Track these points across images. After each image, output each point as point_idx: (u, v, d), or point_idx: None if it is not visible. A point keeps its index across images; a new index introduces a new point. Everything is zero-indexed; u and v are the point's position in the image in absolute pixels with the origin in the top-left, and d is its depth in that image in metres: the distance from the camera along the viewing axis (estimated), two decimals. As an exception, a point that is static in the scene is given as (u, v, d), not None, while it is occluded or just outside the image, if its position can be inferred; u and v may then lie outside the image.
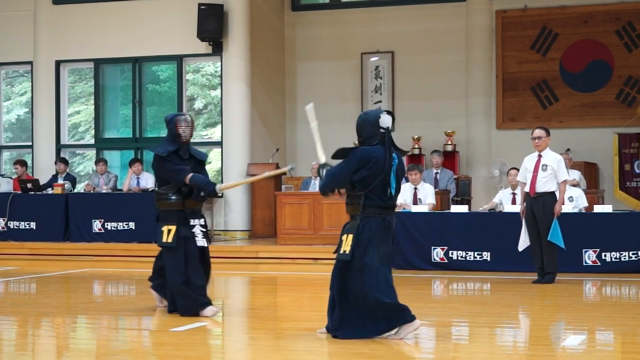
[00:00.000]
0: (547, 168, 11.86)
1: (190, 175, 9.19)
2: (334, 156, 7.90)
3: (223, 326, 9.11)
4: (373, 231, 7.66)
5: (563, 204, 12.18)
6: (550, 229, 11.74)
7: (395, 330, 7.72)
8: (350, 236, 7.69)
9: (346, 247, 7.68)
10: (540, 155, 11.97)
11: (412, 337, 7.76)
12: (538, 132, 12.03)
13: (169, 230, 9.13)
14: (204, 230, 9.30)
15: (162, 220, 9.22)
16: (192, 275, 9.08)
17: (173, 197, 9.23)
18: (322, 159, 8.28)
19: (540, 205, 11.84)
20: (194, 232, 9.20)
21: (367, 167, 7.63)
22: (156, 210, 9.39)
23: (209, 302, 9.15)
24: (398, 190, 7.84)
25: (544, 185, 11.87)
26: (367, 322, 7.67)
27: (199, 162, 9.54)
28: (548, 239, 11.76)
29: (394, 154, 7.75)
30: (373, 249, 7.64)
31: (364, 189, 7.66)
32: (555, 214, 11.79)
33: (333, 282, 7.83)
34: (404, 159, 18.60)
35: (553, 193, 11.90)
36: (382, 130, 7.73)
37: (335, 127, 20.09)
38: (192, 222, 9.23)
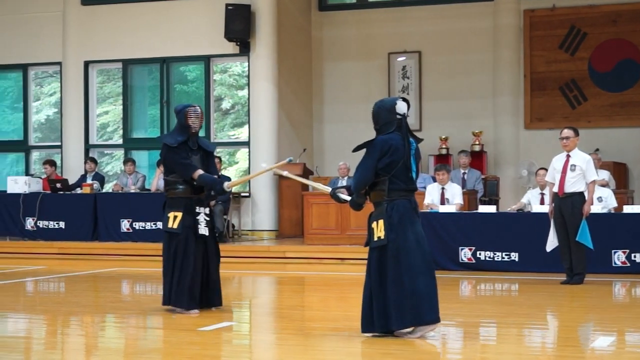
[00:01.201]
0: (576, 168, 11.79)
1: (199, 173, 9.26)
2: (355, 150, 7.92)
3: (250, 326, 9.13)
4: (401, 211, 7.71)
5: (592, 205, 12.10)
6: (578, 229, 11.67)
7: (412, 328, 7.70)
8: (381, 221, 7.73)
9: (379, 233, 7.73)
10: (568, 156, 11.91)
11: (436, 337, 7.74)
12: (566, 132, 11.98)
13: (175, 217, 9.27)
14: (207, 219, 9.38)
15: (169, 207, 9.35)
16: (184, 271, 9.17)
17: (181, 187, 9.37)
18: (328, 188, 8.58)
19: (569, 205, 11.78)
20: (197, 220, 9.30)
21: (389, 154, 7.69)
22: (164, 198, 9.52)
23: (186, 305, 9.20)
24: (417, 173, 7.92)
25: (573, 185, 11.81)
26: (393, 313, 7.62)
27: (207, 153, 9.59)
28: (576, 239, 11.69)
29: (410, 139, 7.83)
30: (405, 230, 7.68)
31: (387, 174, 7.70)
32: (584, 215, 11.72)
33: (370, 275, 7.80)
34: (432, 158, 18.65)
35: (582, 193, 11.83)
36: (398, 117, 7.79)
37: (361, 127, 20.07)
38: (197, 209, 9.33)
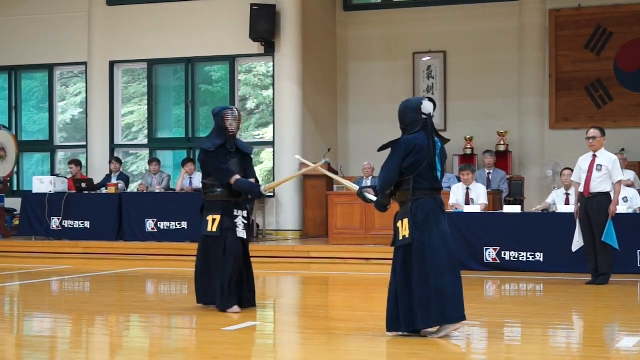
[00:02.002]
0: (602, 168, 11.73)
1: (235, 178, 9.30)
2: (380, 149, 7.99)
3: (275, 325, 9.13)
4: (426, 210, 7.74)
5: (618, 205, 12.04)
6: (604, 229, 11.61)
7: (437, 327, 7.70)
8: (406, 220, 7.77)
9: (404, 232, 7.76)
10: (595, 156, 11.85)
11: (461, 337, 7.73)
12: (593, 132, 11.92)
13: (214, 220, 9.33)
14: (245, 222, 9.46)
15: (208, 210, 9.42)
16: (219, 271, 9.29)
17: (219, 190, 9.40)
18: (355, 187, 8.77)
19: (595, 205, 11.72)
20: (235, 223, 9.36)
21: (413, 153, 7.72)
22: (201, 201, 9.58)
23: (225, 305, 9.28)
24: (442, 173, 7.94)
25: (599, 185, 11.75)
26: (419, 312, 7.62)
27: (245, 155, 9.63)
28: (602, 239, 11.63)
29: (436, 139, 7.83)
30: (430, 228, 7.70)
31: (412, 174, 7.74)
32: (610, 215, 11.66)
33: (395, 274, 7.84)
34: (457, 158, 18.61)
35: (608, 193, 11.77)
36: (424, 117, 7.82)
37: (386, 127, 20.03)
38: (235, 212, 9.39)
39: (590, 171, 11.78)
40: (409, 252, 7.74)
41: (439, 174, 7.85)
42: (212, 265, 9.39)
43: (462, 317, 7.71)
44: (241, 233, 9.35)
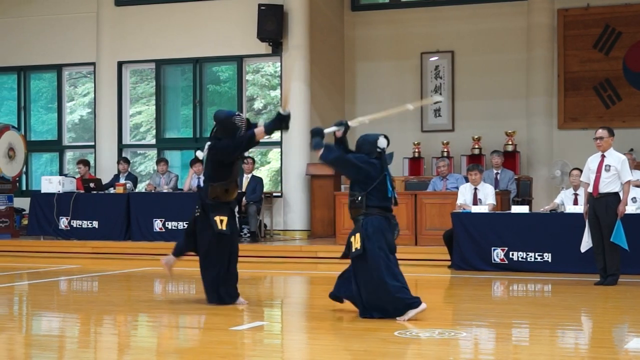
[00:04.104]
0: (611, 168, 11.71)
1: (260, 129, 9.85)
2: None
3: (282, 325, 9.14)
4: (376, 225, 8.83)
5: (626, 205, 12.01)
6: (613, 230, 11.59)
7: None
8: (358, 234, 8.84)
9: (356, 244, 8.81)
10: (603, 156, 11.82)
11: (469, 338, 7.72)
12: (600, 132, 11.90)
13: (221, 220, 9.60)
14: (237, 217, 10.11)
15: (213, 212, 9.65)
16: (232, 266, 9.72)
17: (225, 193, 9.74)
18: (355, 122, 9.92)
19: (603, 206, 11.69)
20: (235, 221, 9.93)
21: (368, 164, 8.95)
22: (200, 201, 9.84)
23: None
24: (393, 194, 9.02)
25: (607, 185, 11.72)
26: (375, 315, 8.75)
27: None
28: (611, 240, 11.61)
29: (387, 168, 9.04)
30: (379, 237, 8.78)
31: (364, 191, 8.88)
32: (619, 215, 11.64)
33: (356, 281, 8.92)
34: (464, 158, 18.60)
35: (616, 194, 11.75)
36: (378, 150, 9.11)
37: (394, 127, 20.06)
38: (235, 211, 9.93)
39: (598, 171, 11.75)
40: (361, 262, 8.79)
41: (390, 193, 8.95)
42: (228, 260, 9.66)
43: (417, 303, 8.68)
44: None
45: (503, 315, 9.39)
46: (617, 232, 11.59)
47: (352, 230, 8.96)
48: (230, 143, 9.68)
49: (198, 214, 9.81)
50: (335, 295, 9.32)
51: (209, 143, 9.85)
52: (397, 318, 8.64)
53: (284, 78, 9.07)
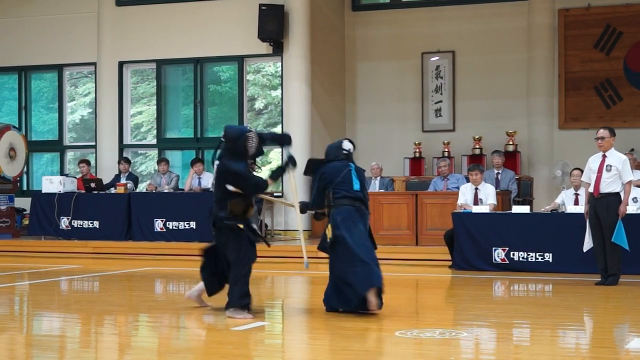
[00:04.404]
0: (612, 169, 11.70)
1: (268, 180, 9.63)
2: (305, 173, 10.34)
3: (283, 325, 9.14)
4: (344, 214, 9.35)
5: (627, 205, 12.01)
6: (614, 230, 11.58)
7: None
8: (330, 225, 9.42)
9: (329, 235, 9.40)
10: (604, 156, 11.81)
11: (470, 338, 7.71)
12: (602, 132, 11.89)
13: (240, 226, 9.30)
14: None
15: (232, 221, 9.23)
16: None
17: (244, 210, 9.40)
18: (292, 204, 10.40)
19: (604, 206, 11.69)
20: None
21: (326, 175, 9.57)
22: (215, 225, 9.35)
23: None
24: (362, 186, 9.57)
25: (608, 186, 11.71)
26: (342, 296, 9.27)
27: None
28: (612, 240, 11.60)
29: (351, 164, 9.64)
30: (349, 225, 9.28)
31: (330, 185, 9.49)
32: (620, 215, 11.63)
33: (331, 271, 9.51)
34: (465, 158, 18.59)
35: (617, 194, 11.74)
36: (344, 152, 9.69)
37: (395, 127, 20.12)
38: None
39: (599, 171, 11.75)
40: (334, 251, 9.39)
41: (355, 186, 9.48)
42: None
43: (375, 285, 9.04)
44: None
45: (504, 315, 9.39)
46: (618, 232, 11.58)
47: (326, 223, 9.57)
48: (246, 184, 9.28)
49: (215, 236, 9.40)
50: (331, 307, 9.44)
51: (217, 163, 9.31)
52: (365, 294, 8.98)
53: (289, 179, 9.15)
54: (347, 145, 9.80)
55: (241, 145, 9.28)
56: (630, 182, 11.85)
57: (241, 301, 9.01)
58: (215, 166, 9.42)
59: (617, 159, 11.78)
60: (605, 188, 11.72)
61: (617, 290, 11.31)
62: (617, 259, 11.71)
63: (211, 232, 9.49)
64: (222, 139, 9.35)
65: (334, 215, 9.39)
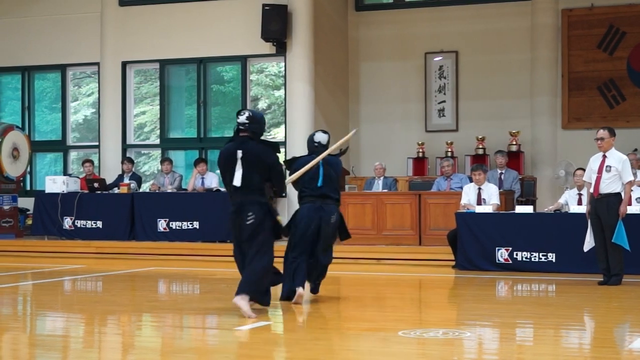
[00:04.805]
0: (612, 169, 11.69)
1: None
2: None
3: (286, 325, 9.14)
4: (303, 212, 10.04)
5: (630, 205, 12.00)
6: (615, 230, 11.58)
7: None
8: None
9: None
10: (604, 156, 11.81)
11: (473, 337, 7.70)
12: (601, 132, 11.88)
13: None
14: None
15: (273, 213, 9.21)
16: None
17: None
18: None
19: (605, 206, 11.68)
20: None
21: (293, 171, 10.07)
22: (265, 203, 9.13)
23: None
24: (327, 180, 10.03)
25: (608, 186, 11.70)
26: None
27: None
28: (612, 240, 11.60)
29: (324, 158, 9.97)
30: (303, 222, 9.97)
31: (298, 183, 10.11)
32: (620, 216, 11.62)
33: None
34: (468, 158, 18.56)
35: (618, 194, 11.73)
36: (315, 145, 10.20)
37: (398, 127, 20.12)
38: None
39: (599, 172, 11.74)
40: (290, 241, 10.05)
41: (318, 183, 9.99)
42: None
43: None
44: None
45: (507, 315, 9.39)
46: (619, 232, 11.58)
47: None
48: (280, 172, 9.24)
49: (252, 220, 8.96)
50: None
51: (240, 152, 9.04)
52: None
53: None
54: (318, 137, 10.20)
55: (263, 126, 9.42)
56: (630, 183, 11.84)
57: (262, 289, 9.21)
58: (240, 153, 9.03)
59: (617, 159, 11.77)
60: (605, 188, 11.71)
61: (620, 290, 11.31)
62: (620, 259, 11.71)
63: (239, 224, 9.01)
64: (246, 125, 9.08)
65: (295, 213, 10.17)
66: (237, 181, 8.93)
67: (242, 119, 9.09)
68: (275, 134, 20.29)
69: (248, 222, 8.92)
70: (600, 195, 11.71)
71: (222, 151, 9.19)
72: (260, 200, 9.01)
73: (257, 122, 9.20)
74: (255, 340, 7.97)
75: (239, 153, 8.99)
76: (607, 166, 11.70)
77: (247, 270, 9.05)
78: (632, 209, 12.45)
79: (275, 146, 9.34)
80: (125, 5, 20.14)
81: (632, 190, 12.22)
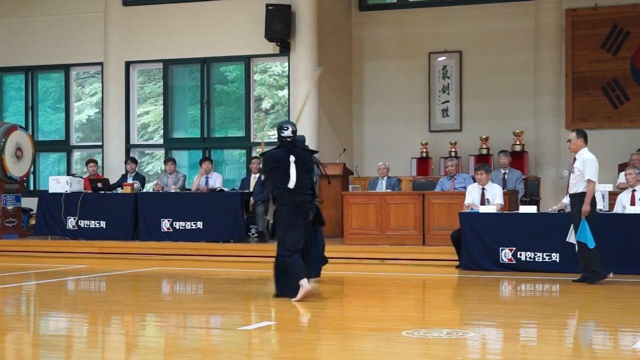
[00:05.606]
0: (576, 170, 11.93)
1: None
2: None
3: (290, 325, 9.14)
4: (284, 214, 10.28)
5: (596, 204, 12.08)
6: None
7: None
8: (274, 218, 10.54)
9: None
10: (575, 158, 12.02)
11: (476, 337, 7.70)
12: (569, 134, 12.25)
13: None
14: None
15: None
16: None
17: None
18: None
19: (573, 205, 12.01)
20: None
21: (263, 165, 10.53)
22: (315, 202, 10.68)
23: None
24: (299, 178, 10.18)
25: (575, 186, 12.00)
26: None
27: None
28: (576, 238, 11.76)
29: (294, 152, 10.24)
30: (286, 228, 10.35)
31: (267, 178, 10.42)
32: (582, 214, 11.71)
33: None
34: (472, 158, 18.54)
35: (583, 194, 11.87)
36: (283, 139, 10.32)
37: (401, 127, 20.12)
38: None
39: (571, 172, 12.01)
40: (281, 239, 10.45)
41: (290, 182, 10.09)
42: None
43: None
44: None
45: (511, 315, 9.38)
46: (582, 230, 11.71)
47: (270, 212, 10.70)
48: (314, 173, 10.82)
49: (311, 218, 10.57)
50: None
51: (293, 158, 10.31)
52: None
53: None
54: (285, 132, 10.31)
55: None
56: (590, 182, 11.83)
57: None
58: (293, 158, 10.25)
59: (581, 160, 11.93)
60: (572, 188, 12.01)
61: (623, 291, 11.30)
62: (590, 257, 11.80)
63: (304, 221, 10.44)
64: (291, 137, 10.34)
65: (275, 215, 10.43)
66: (291, 184, 10.14)
67: (288, 132, 10.30)
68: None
69: (309, 220, 10.48)
70: (570, 195, 12.05)
71: (272, 154, 10.41)
72: (312, 200, 10.47)
73: (296, 134, 10.48)
74: (259, 340, 7.97)
75: (292, 157, 10.22)
76: (573, 167, 11.91)
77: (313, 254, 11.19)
78: (633, 209, 12.47)
79: (314, 152, 10.87)
80: (128, 5, 20.15)
81: (596, 191, 12.23)
